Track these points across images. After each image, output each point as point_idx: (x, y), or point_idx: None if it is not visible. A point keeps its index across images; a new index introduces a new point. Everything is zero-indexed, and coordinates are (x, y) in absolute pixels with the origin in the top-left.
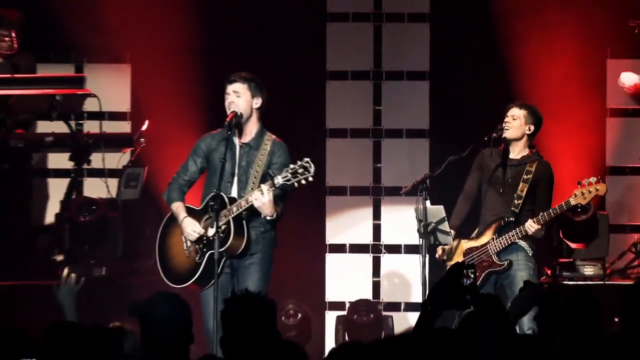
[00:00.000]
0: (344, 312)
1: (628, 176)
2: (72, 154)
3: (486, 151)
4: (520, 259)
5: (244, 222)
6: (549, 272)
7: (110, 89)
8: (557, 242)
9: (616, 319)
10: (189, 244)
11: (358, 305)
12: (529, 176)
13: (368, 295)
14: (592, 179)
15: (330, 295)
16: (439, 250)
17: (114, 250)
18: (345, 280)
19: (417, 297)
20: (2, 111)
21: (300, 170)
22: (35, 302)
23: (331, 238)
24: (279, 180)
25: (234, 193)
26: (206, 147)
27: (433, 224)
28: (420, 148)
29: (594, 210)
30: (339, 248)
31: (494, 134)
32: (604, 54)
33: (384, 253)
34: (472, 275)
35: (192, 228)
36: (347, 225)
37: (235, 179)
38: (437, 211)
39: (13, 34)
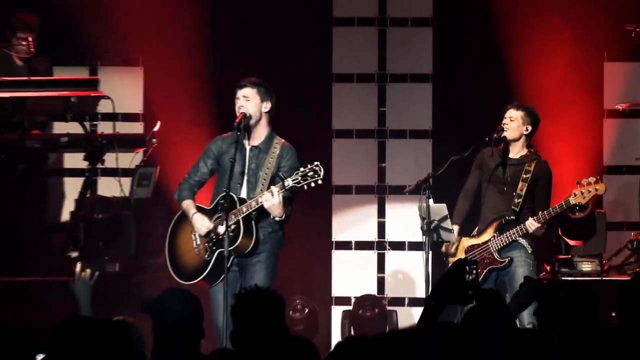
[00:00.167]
0: (350, 307)
1: (625, 175)
2: (86, 154)
3: (486, 151)
4: (521, 256)
5: (253, 222)
6: (548, 268)
7: (123, 91)
8: (556, 240)
9: (613, 314)
10: (198, 241)
11: (363, 300)
12: (527, 175)
13: (373, 290)
14: (592, 179)
15: (337, 291)
16: (444, 247)
17: (127, 247)
18: (350, 276)
19: (420, 292)
20: (19, 113)
21: (310, 174)
22: (51, 298)
23: (337, 235)
24: (289, 182)
25: (243, 194)
26: (217, 149)
27: (436, 222)
28: (423, 148)
29: (591, 208)
30: (344, 245)
31: (495, 135)
32: (601, 56)
33: (389, 250)
34: (474, 272)
35: (201, 223)
36: (352, 222)
37: (245, 180)
38: (439, 209)
39: (30, 38)
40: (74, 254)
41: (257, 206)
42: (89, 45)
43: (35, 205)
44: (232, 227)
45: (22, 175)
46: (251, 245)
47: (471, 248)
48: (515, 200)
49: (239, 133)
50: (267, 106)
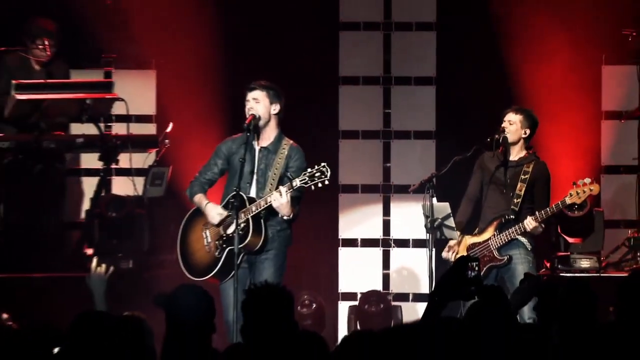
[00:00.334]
0: (356, 303)
1: (622, 175)
2: (101, 154)
3: (486, 153)
4: (520, 254)
5: (262, 220)
6: (547, 265)
7: (136, 93)
8: (555, 237)
9: (611, 309)
10: (209, 239)
11: (369, 296)
12: (526, 176)
13: (378, 286)
14: (587, 180)
15: (343, 287)
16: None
17: (140, 244)
18: (357, 272)
19: (424, 288)
20: (36, 114)
21: (317, 174)
22: (67, 293)
23: (344, 233)
24: (296, 182)
25: (252, 193)
26: (227, 150)
27: (439, 220)
28: (427, 149)
29: (590, 207)
30: (351, 242)
31: (496, 136)
32: (599, 60)
33: (393, 247)
34: (477, 268)
35: (215, 211)
36: (358, 221)
37: (254, 180)
38: (443, 208)
39: (46, 42)
40: (89, 251)
41: (265, 205)
42: (104, 49)
43: (53, 204)
44: (242, 225)
45: (39, 175)
46: (260, 243)
47: (472, 246)
48: (515, 200)
49: (248, 134)
50: (276, 108)
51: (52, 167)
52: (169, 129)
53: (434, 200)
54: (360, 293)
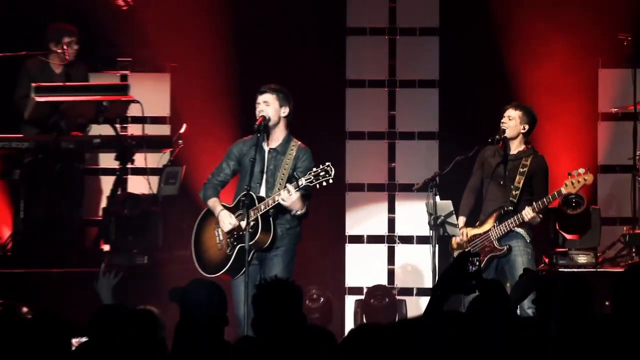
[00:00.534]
0: (362, 297)
1: (618, 174)
2: (117, 154)
3: (487, 148)
4: (520, 245)
5: (271, 219)
6: (546, 260)
7: (151, 96)
8: (554, 234)
9: (607, 303)
10: (221, 237)
11: (375, 291)
12: (524, 169)
13: (384, 281)
14: (581, 170)
15: (350, 281)
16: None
17: (154, 240)
18: (363, 267)
19: (427, 283)
20: (55, 116)
21: (322, 173)
22: (84, 288)
23: (350, 230)
24: (302, 181)
25: (262, 193)
26: (238, 151)
27: (442, 217)
28: (430, 149)
29: (587, 204)
30: (357, 239)
31: (497, 136)
32: (596, 63)
33: (398, 243)
34: (477, 263)
35: (228, 220)
36: (364, 218)
37: (264, 180)
38: (445, 205)
39: (65, 46)
40: (106, 247)
41: (274, 204)
42: (120, 53)
43: (71, 202)
44: (251, 223)
45: (58, 174)
46: (269, 240)
47: (474, 237)
48: (513, 192)
49: (259, 135)
50: (285, 111)
51: (71, 166)
52: (182, 130)
53: (437, 198)
54: (366, 287)
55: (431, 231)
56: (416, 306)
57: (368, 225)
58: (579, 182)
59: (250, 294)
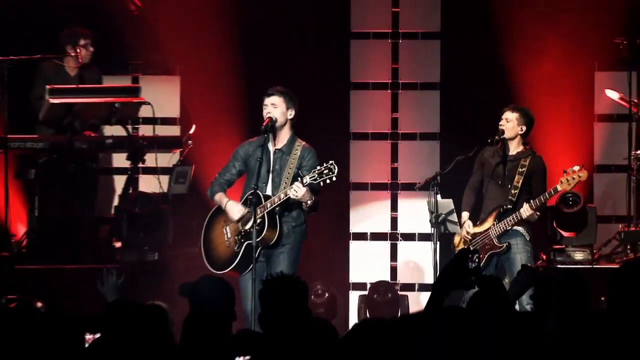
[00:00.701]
0: (366, 292)
1: (613, 173)
2: (129, 154)
3: (487, 149)
4: (519, 243)
5: (277, 216)
6: (544, 257)
7: (162, 97)
8: (552, 231)
9: (603, 298)
10: (229, 235)
11: (378, 286)
12: (523, 169)
13: (386, 277)
14: (576, 167)
15: (354, 277)
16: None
17: (165, 238)
18: (366, 264)
19: (429, 279)
20: (68, 116)
21: (325, 172)
22: (97, 282)
23: (354, 227)
24: (307, 179)
25: (268, 192)
26: (244, 152)
27: (443, 215)
28: (431, 149)
29: (583, 203)
30: (361, 236)
31: (496, 137)
32: (592, 67)
33: (400, 240)
34: (477, 260)
35: (236, 208)
36: (368, 216)
37: (270, 180)
38: (446, 204)
39: (78, 49)
40: (118, 244)
41: (279, 202)
42: (132, 56)
43: (85, 201)
44: (258, 220)
45: (72, 173)
46: (275, 237)
47: (474, 235)
48: (512, 191)
49: (266, 135)
50: (291, 113)
51: (84, 166)
52: (191, 131)
53: (438, 197)
54: (370, 283)
55: (432, 229)
56: (418, 301)
57: (371, 223)
58: (573, 179)
59: (257, 289)
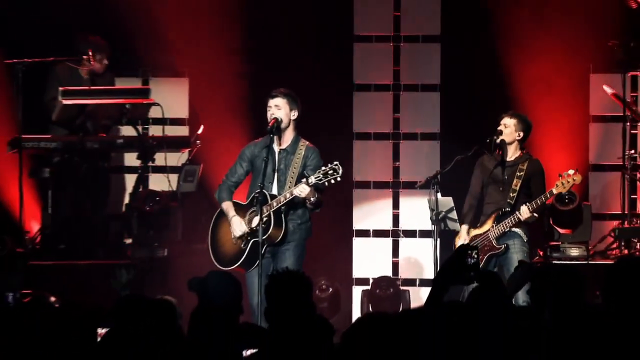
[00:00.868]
0: (368, 287)
1: (608, 172)
2: (139, 153)
3: (485, 155)
4: (516, 244)
5: (283, 215)
6: (541, 253)
7: (171, 99)
8: (548, 228)
9: (597, 293)
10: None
11: (380, 281)
12: (521, 173)
13: (388, 272)
14: (571, 171)
15: (357, 273)
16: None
17: (174, 234)
18: (369, 260)
19: (429, 274)
20: (81, 117)
21: (330, 172)
22: (109, 279)
23: (357, 224)
24: (312, 179)
25: (274, 191)
26: (250, 153)
27: (443, 213)
28: (432, 149)
29: (579, 201)
30: (363, 233)
31: (495, 137)
32: (588, 69)
33: (402, 237)
34: (475, 256)
35: (239, 227)
36: (370, 213)
37: (276, 179)
38: (446, 202)
39: (90, 53)
40: (129, 241)
41: (285, 201)
42: (142, 59)
43: (97, 199)
44: (264, 219)
45: (84, 172)
46: (281, 235)
47: (474, 237)
48: (511, 194)
49: (272, 135)
50: (294, 114)
51: (96, 165)
52: (200, 131)
53: (439, 195)
54: (372, 278)
55: (433, 226)
56: (418, 296)
57: (374, 220)
58: (568, 182)
59: (263, 285)
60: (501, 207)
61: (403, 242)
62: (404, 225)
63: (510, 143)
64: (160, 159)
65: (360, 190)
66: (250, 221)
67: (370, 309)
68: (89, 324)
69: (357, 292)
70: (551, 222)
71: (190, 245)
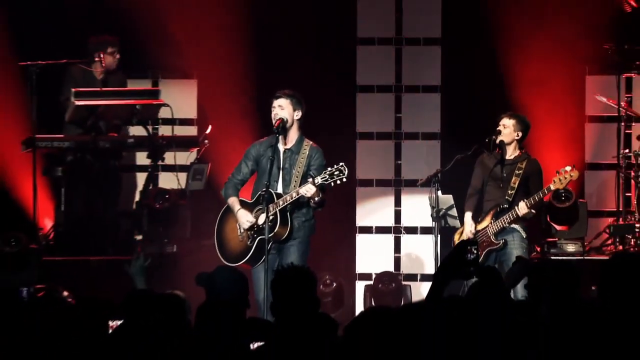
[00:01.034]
0: (371, 282)
1: (603, 171)
2: (149, 153)
3: (485, 154)
4: (515, 240)
5: (288, 213)
6: (538, 249)
7: (180, 100)
8: (545, 225)
9: (593, 288)
10: (242, 230)
11: (382, 277)
12: (520, 171)
13: (390, 268)
14: (568, 168)
15: (360, 268)
16: (457, 234)
17: (183, 231)
18: (371, 256)
19: (430, 269)
20: (92, 117)
21: (336, 173)
22: (120, 274)
23: (360, 221)
24: (318, 180)
25: (279, 189)
26: (255, 152)
27: (443, 210)
28: (433, 148)
29: (575, 198)
30: (366, 229)
31: (494, 136)
32: (583, 71)
33: (404, 234)
34: (475, 251)
35: (245, 218)
36: (373, 211)
37: (281, 177)
38: (446, 199)
39: (102, 55)
40: (139, 237)
41: (291, 200)
42: (152, 61)
43: (108, 196)
44: (270, 217)
45: (96, 171)
46: (286, 233)
47: (475, 233)
48: (509, 192)
49: (277, 135)
50: (298, 114)
51: (108, 164)
52: (208, 131)
53: (439, 192)
54: (375, 274)
55: (434, 222)
56: (420, 291)
57: (376, 217)
58: (565, 178)
59: (269, 280)
60: (499, 203)
61: (405, 238)
62: (405, 222)
63: (509, 143)
64: (169, 158)
65: (363, 188)
66: (256, 219)
67: (373, 303)
68: (100, 318)
69: (360, 287)
70: (548, 219)
71: (199, 242)
